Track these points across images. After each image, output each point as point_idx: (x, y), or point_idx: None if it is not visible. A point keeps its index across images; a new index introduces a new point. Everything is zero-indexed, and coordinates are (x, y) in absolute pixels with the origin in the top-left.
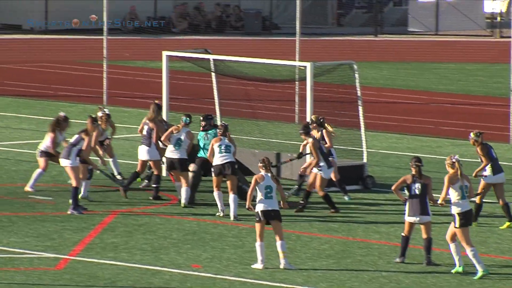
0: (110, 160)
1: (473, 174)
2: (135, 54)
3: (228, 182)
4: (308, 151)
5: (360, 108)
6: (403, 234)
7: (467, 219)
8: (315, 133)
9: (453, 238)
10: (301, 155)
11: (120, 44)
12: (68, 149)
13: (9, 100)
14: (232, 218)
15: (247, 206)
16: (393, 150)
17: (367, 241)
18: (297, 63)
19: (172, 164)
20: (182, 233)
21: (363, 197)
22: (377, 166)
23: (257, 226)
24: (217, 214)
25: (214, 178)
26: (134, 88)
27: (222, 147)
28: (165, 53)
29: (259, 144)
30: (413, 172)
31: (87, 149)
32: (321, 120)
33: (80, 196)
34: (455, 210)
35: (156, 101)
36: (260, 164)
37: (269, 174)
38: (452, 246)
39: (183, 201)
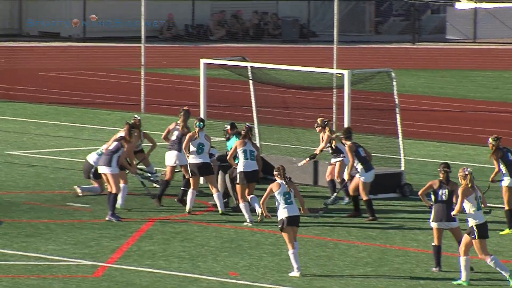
0: (146, 169)
1: (490, 179)
2: (173, 61)
3: (247, 188)
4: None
5: (398, 116)
6: (433, 244)
7: (484, 230)
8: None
9: (467, 251)
10: (314, 156)
11: (158, 51)
12: (109, 157)
13: (47, 107)
14: (259, 217)
15: (264, 214)
16: (431, 158)
17: (404, 249)
18: (334, 70)
19: (198, 169)
20: (219, 241)
21: (401, 205)
22: (415, 174)
23: (285, 234)
24: (245, 224)
25: (239, 186)
26: (171, 96)
27: (248, 153)
28: (202, 61)
29: (297, 151)
30: (441, 178)
31: (125, 156)
32: (326, 123)
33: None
34: (472, 222)
35: (186, 108)
36: (275, 172)
37: (284, 182)
38: (463, 259)
39: (220, 208)
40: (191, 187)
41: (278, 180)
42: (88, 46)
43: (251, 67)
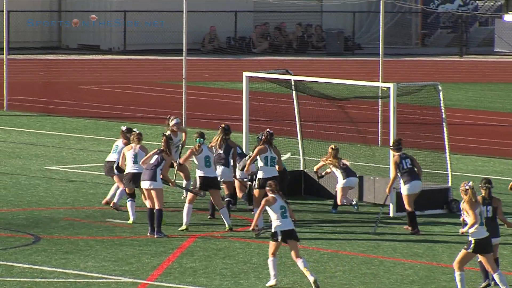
0: (184, 183)
1: (509, 187)
2: (215, 75)
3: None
4: (328, 170)
5: (445, 130)
6: (479, 260)
7: (482, 246)
8: None
9: (462, 266)
10: (321, 175)
11: (200, 64)
12: (152, 171)
13: (87, 121)
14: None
15: (251, 227)
16: (479, 174)
17: (452, 267)
18: (380, 84)
19: (208, 183)
20: (262, 258)
21: (448, 221)
22: None
23: (273, 244)
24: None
25: (257, 192)
26: (213, 110)
27: (268, 160)
28: (245, 74)
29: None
30: (483, 194)
31: (167, 169)
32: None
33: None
34: (472, 236)
35: (223, 125)
36: (267, 188)
37: (279, 195)
38: (458, 275)
39: (227, 224)
40: (188, 201)
41: (272, 194)
42: (128, 59)
43: (294, 80)
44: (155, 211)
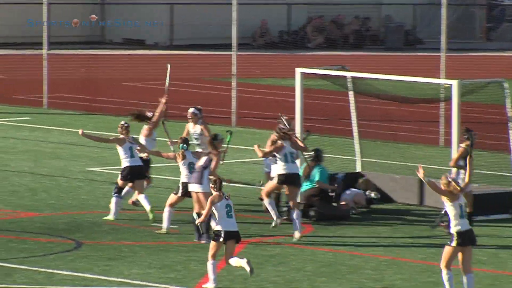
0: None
1: None
2: (266, 71)
3: (288, 195)
4: None
5: (511, 131)
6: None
7: (465, 238)
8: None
9: (449, 265)
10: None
11: (250, 60)
12: (200, 173)
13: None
14: (296, 238)
15: (198, 222)
16: None
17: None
18: (442, 80)
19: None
20: (316, 265)
21: None
22: None
23: (214, 245)
24: (272, 225)
25: (272, 184)
26: (265, 108)
27: (288, 156)
28: (298, 70)
29: (400, 168)
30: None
31: (215, 169)
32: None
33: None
34: (454, 229)
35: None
36: (211, 185)
37: (223, 194)
38: (445, 274)
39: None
40: (168, 205)
41: (217, 192)
42: (175, 54)
43: (351, 76)
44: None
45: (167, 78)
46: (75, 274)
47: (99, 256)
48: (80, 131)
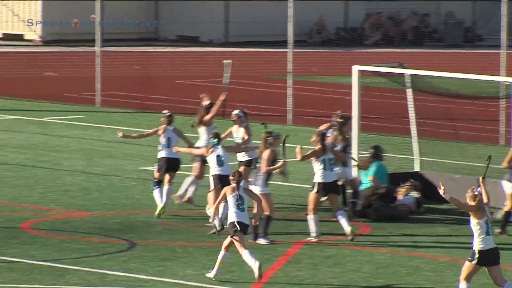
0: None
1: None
2: (323, 68)
3: (330, 202)
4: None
5: None
6: None
7: (487, 257)
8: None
9: (469, 279)
10: None
11: (307, 57)
12: (265, 176)
13: (184, 118)
14: (349, 234)
15: (211, 219)
16: None
17: None
18: (502, 78)
19: (220, 180)
20: (374, 266)
21: None
22: None
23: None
24: (308, 239)
25: (312, 195)
26: (321, 106)
27: (326, 162)
28: (356, 68)
29: (461, 168)
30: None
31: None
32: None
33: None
34: (476, 246)
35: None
36: (231, 177)
37: (238, 186)
38: (462, 285)
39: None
40: (212, 202)
41: (233, 184)
42: (230, 51)
43: (409, 74)
44: (262, 217)
45: (227, 74)
46: (129, 275)
47: (153, 256)
48: (119, 134)
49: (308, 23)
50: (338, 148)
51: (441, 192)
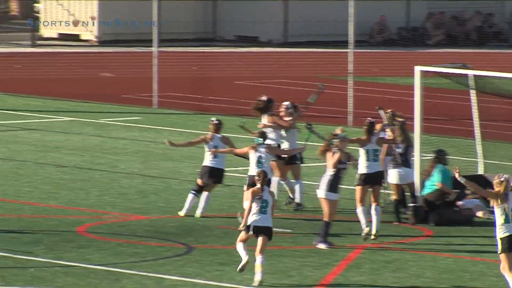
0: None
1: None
2: (384, 69)
3: (372, 193)
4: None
5: None
6: None
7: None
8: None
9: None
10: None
11: (368, 58)
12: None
13: (244, 120)
14: (373, 234)
15: (242, 225)
16: None
17: None
18: None
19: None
20: (437, 271)
21: None
22: None
23: (243, 234)
24: (362, 234)
25: (358, 188)
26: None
27: (370, 153)
28: (418, 68)
29: None
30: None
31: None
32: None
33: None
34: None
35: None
36: (256, 178)
37: (264, 189)
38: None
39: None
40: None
41: (259, 185)
42: (289, 51)
43: (473, 75)
44: (322, 222)
45: (315, 96)
46: (186, 279)
47: (211, 261)
48: (166, 142)
49: (369, 23)
50: (400, 149)
51: (456, 175)
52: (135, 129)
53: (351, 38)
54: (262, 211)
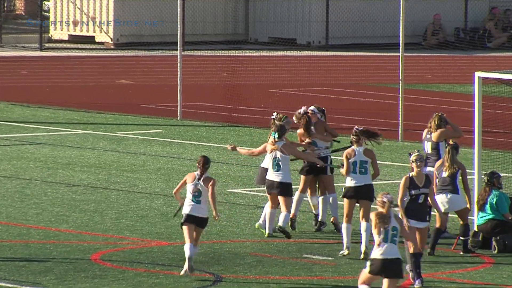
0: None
1: None
2: (439, 75)
3: (361, 209)
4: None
5: None
6: None
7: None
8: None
9: None
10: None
11: (420, 62)
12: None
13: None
14: (363, 252)
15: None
16: None
17: None
18: None
19: (272, 187)
20: None
21: None
22: None
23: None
24: (341, 253)
25: (346, 201)
26: None
27: (356, 165)
28: (477, 74)
29: None
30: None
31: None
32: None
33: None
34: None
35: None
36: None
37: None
38: None
39: (280, 223)
40: (270, 205)
41: (198, 171)
42: (331, 55)
43: None
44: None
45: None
46: None
47: None
48: (229, 147)
49: (422, 23)
50: (444, 174)
51: None
52: (157, 144)
53: (401, 40)
54: (194, 200)
